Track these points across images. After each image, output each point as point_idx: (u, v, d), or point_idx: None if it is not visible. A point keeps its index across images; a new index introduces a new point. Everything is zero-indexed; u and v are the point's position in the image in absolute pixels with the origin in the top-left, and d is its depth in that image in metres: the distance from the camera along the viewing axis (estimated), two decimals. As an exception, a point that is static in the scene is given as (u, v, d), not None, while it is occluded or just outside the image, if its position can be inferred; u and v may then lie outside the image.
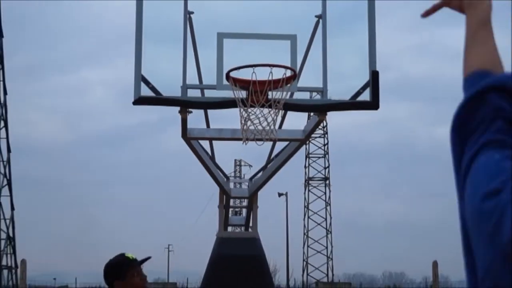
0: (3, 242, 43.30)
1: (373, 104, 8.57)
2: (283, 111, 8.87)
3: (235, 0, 9.87)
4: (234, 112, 8.72)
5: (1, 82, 46.62)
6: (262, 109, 8.49)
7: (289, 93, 8.68)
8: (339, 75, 9.49)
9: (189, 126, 8.96)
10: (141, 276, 5.07)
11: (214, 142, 9.95)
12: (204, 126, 9.64)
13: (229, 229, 9.96)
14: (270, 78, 8.30)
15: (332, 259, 61.16)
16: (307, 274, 60.95)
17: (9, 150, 46.47)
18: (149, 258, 5.55)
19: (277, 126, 8.78)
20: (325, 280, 57.99)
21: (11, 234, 45.41)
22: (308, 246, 60.25)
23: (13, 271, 42.21)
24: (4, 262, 43.13)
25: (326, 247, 60.62)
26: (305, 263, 61.21)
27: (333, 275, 60.83)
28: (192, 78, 8.79)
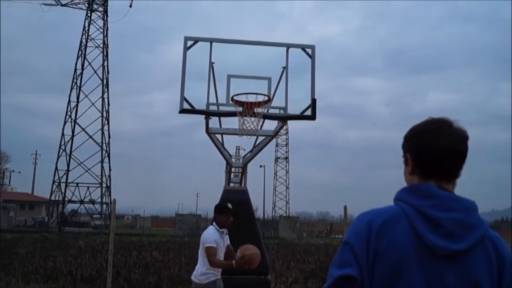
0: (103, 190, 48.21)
1: (312, 117, 9.40)
2: (262, 120, 9.58)
3: (239, 55, 10.32)
4: (235, 119, 9.43)
5: (106, 99, 49.46)
6: (251, 118, 9.25)
7: (266, 109, 9.44)
8: (295, 100, 10.06)
9: (210, 126, 9.65)
10: (229, 218, 5.62)
11: (224, 135, 10.60)
12: (218, 126, 10.26)
13: (231, 184, 10.75)
14: (255, 100, 9.22)
15: (288, 203, 65.99)
16: (275, 212, 65.26)
17: (109, 136, 49.58)
18: (230, 210, 5.95)
19: (259, 128, 9.53)
20: (284, 215, 61.85)
21: (109, 184, 48.45)
22: (275, 196, 66.38)
23: (108, 205, 47.29)
24: (104, 200, 47.75)
25: (286, 196, 66.74)
26: (273, 205, 65.81)
27: (289, 212, 65.44)
28: (212, 99, 9.45)
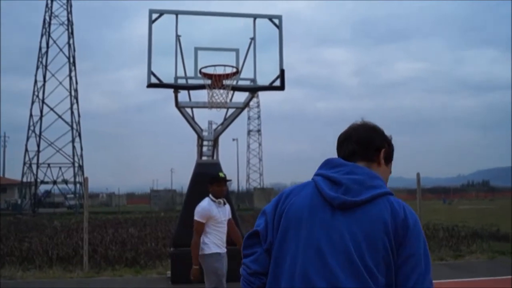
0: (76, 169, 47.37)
1: (281, 87, 9.43)
2: (232, 92, 9.53)
3: (206, 28, 10.25)
4: (205, 92, 9.41)
5: (74, 78, 48.34)
6: (220, 90, 9.24)
7: (235, 81, 9.45)
8: (264, 73, 9.96)
9: (179, 100, 9.55)
10: (222, 188, 5.39)
11: (194, 109, 10.35)
12: (188, 100, 10.06)
13: (203, 158, 10.54)
14: (224, 72, 9.15)
15: (262, 175, 66.87)
16: (249, 184, 66.61)
17: (79, 115, 48.68)
18: (230, 180, 5.95)
19: (228, 100, 9.48)
20: (258, 187, 62.91)
21: (81, 164, 47.73)
22: (249, 168, 66.90)
23: (82, 184, 46.02)
24: (77, 180, 47.09)
25: (259, 168, 67.37)
26: (247, 177, 66.79)
27: (263, 184, 66.13)
28: (180, 72, 9.38)
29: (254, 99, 63.99)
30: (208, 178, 5.50)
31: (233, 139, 58.02)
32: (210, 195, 5.37)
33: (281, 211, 1.84)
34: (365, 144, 1.94)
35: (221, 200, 5.38)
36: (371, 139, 1.97)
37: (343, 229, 1.70)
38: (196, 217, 5.24)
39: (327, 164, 1.88)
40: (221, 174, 5.50)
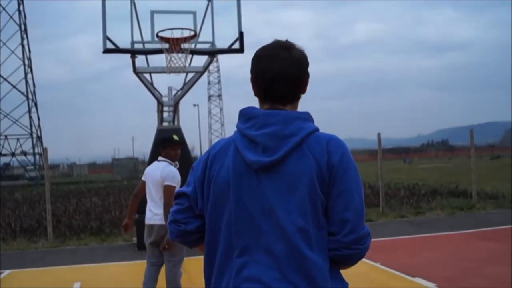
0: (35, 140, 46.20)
1: (241, 50, 9.33)
2: (190, 55, 9.42)
3: None
4: (162, 56, 9.28)
5: (27, 46, 46.56)
6: (178, 54, 9.11)
7: (192, 45, 9.34)
8: (223, 35, 10.05)
9: (137, 65, 9.41)
10: (175, 151, 5.05)
11: (153, 74, 10.22)
12: (146, 65, 9.97)
13: (164, 124, 10.47)
14: (181, 36, 9.00)
15: (225, 134, 66.57)
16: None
17: (34, 85, 47.16)
18: (183, 143, 5.82)
19: (187, 64, 9.36)
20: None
21: (39, 135, 46.56)
22: (211, 133, 67.11)
23: (41, 156, 44.59)
24: (36, 151, 45.94)
25: (221, 133, 67.62)
26: (210, 143, 66.95)
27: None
28: (137, 37, 9.27)
29: (214, 64, 63.27)
30: (160, 141, 5.20)
31: (194, 105, 57.41)
32: (166, 160, 5.02)
33: (209, 179, 1.72)
34: (297, 82, 1.72)
35: (177, 164, 5.09)
36: (303, 74, 1.73)
37: (269, 191, 1.61)
38: (174, 183, 4.83)
39: (241, 116, 1.70)
40: (175, 137, 5.24)
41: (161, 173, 4.90)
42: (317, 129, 1.66)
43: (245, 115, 1.69)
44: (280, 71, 1.66)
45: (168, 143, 5.07)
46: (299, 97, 1.74)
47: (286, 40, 1.74)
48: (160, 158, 5.06)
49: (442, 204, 13.69)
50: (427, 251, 8.14)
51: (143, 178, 5.16)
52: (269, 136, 1.61)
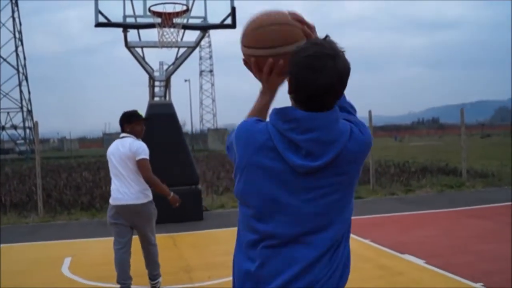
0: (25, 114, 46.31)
1: (233, 25, 9.22)
2: (182, 30, 9.31)
3: None
4: (155, 31, 9.14)
5: (18, 19, 45.88)
6: (170, 29, 9.01)
7: (185, 20, 9.22)
8: (215, 10, 9.81)
9: (129, 40, 9.28)
10: (141, 126, 4.97)
11: (145, 49, 10.25)
12: (138, 40, 9.94)
13: (155, 99, 10.49)
14: (173, 11, 8.88)
15: (216, 116, 68.25)
16: (203, 125, 66.85)
17: (24, 58, 46.73)
18: (149, 119, 5.72)
19: (179, 39, 9.27)
20: (212, 128, 63.11)
21: (30, 108, 46.53)
22: (202, 109, 67.29)
23: (31, 130, 45.32)
24: (27, 125, 46.10)
25: (213, 109, 67.73)
26: (201, 118, 67.23)
27: (217, 125, 66.29)
28: (129, 11, 9.09)
29: (206, 39, 62.75)
30: (126, 117, 4.97)
31: (185, 80, 56.81)
32: (131, 136, 4.89)
33: (246, 162, 1.68)
34: (338, 94, 1.69)
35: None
36: (345, 86, 1.70)
37: (310, 195, 1.62)
38: (146, 156, 4.78)
39: (280, 114, 1.66)
40: (139, 112, 5.10)
41: (130, 149, 4.76)
42: (349, 124, 1.67)
43: (284, 115, 1.64)
44: (325, 85, 1.61)
45: (134, 118, 4.94)
46: (335, 104, 1.69)
47: (329, 42, 1.65)
48: (123, 134, 4.92)
49: (432, 182, 13.77)
50: (416, 228, 8.20)
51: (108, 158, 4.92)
52: (314, 142, 1.60)
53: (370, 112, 13.21)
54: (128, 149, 4.75)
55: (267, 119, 1.71)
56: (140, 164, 4.74)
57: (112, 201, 4.81)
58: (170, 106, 9.96)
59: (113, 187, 4.82)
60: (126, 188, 4.73)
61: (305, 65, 1.61)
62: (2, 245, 7.91)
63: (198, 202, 9.58)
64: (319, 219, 1.61)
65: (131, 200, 4.73)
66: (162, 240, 5.18)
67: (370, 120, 13.05)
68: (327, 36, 1.66)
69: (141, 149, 4.75)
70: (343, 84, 1.66)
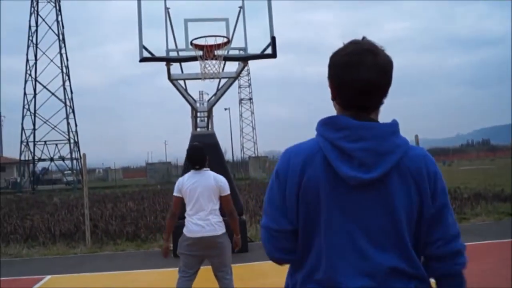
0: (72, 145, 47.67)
1: (273, 55, 9.28)
2: (223, 62, 9.39)
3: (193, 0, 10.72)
4: (196, 63, 9.26)
5: (65, 54, 47.76)
6: (211, 61, 9.11)
7: (226, 51, 9.32)
8: (254, 40, 9.90)
9: (171, 72, 9.46)
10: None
11: (187, 81, 10.34)
12: (180, 72, 10.08)
13: (198, 129, 10.53)
14: (215, 43, 9.00)
15: (256, 143, 67.91)
16: (244, 153, 66.86)
17: (71, 92, 48.50)
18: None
19: (220, 70, 9.34)
20: (253, 155, 62.97)
21: (77, 140, 47.66)
22: (243, 137, 67.12)
23: (78, 160, 47.17)
24: (74, 156, 47.57)
25: (253, 137, 67.88)
26: (241, 146, 67.30)
27: (257, 152, 66.11)
28: (171, 45, 9.31)
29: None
30: (204, 150, 5.06)
31: (225, 109, 57.56)
32: (208, 168, 5.00)
33: (298, 188, 1.61)
34: (385, 90, 1.62)
35: None
36: (390, 81, 1.63)
37: (365, 210, 1.55)
38: (228, 192, 4.89)
39: (329, 124, 1.59)
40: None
41: (216, 182, 4.82)
42: (408, 143, 1.61)
43: (335, 124, 1.57)
44: (369, 81, 1.55)
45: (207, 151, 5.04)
46: (382, 103, 1.64)
47: (367, 40, 1.62)
48: (205, 168, 4.95)
49: (488, 209, 12.85)
50: (473, 260, 7.53)
51: (177, 194, 4.90)
52: (367, 152, 1.52)
53: (416, 136, 12.83)
54: (213, 182, 4.81)
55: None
56: (227, 198, 4.85)
57: (188, 233, 4.79)
58: (213, 136, 10.04)
59: (189, 219, 4.82)
60: (205, 221, 4.75)
61: (345, 63, 1.57)
62: (52, 276, 8.05)
63: (243, 233, 9.52)
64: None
65: (209, 232, 4.74)
66: (206, 272, 5.14)
67: (417, 145, 12.63)
68: (364, 37, 1.62)
69: (227, 184, 4.87)
70: (387, 79, 1.59)
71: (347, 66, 1.56)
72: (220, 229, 4.82)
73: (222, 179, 4.88)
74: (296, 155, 1.62)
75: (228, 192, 4.86)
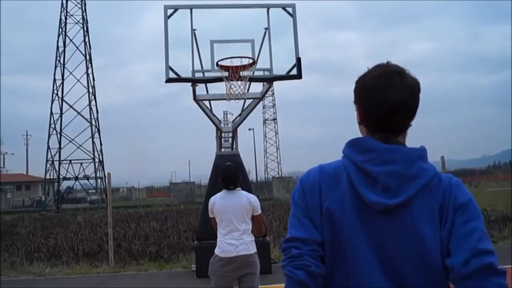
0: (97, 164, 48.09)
1: (298, 76, 9.31)
2: (249, 82, 9.39)
3: (220, 20, 10.31)
4: (221, 84, 9.32)
5: (91, 74, 48.79)
6: (237, 82, 9.14)
7: (251, 72, 9.30)
8: (277, 60, 9.75)
9: (197, 93, 9.55)
10: None
11: (212, 101, 10.44)
12: (205, 92, 10.15)
13: (222, 149, 10.53)
14: (240, 64, 9.01)
15: (280, 163, 67.43)
16: (267, 173, 66.65)
17: (97, 111, 49.08)
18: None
19: (246, 91, 9.35)
20: (277, 176, 62.72)
21: (101, 159, 48.29)
22: (266, 158, 66.97)
23: (103, 179, 47.41)
24: (98, 175, 47.78)
25: (277, 157, 67.63)
26: (265, 167, 67.03)
27: (281, 173, 65.84)
28: (197, 66, 9.31)
29: (270, 88, 63.74)
30: (237, 170, 5.07)
31: (249, 129, 57.66)
32: (239, 188, 5.03)
33: (320, 209, 1.58)
34: (413, 111, 1.60)
35: None
36: (417, 103, 1.61)
37: (390, 235, 1.50)
38: (260, 212, 4.93)
39: (355, 146, 1.58)
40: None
41: (249, 202, 4.84)
42: (436, 169, 1.56)
43: (361, 146, 1.56)
44: (397, 102, 1.54)
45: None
46: (410, 126, 1.62)
47: (392, 64, 1.62)
48: (237, 188, 4.96)
49: None
50: None
51: (212, 215, 4.93)
52: (392, 176, 1.49)
53: (442, 157, 12.65)
54: (246, 202, 4.82)
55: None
56: (259, 218, 4.88)
57: (222, 253, 4.76)
58: (237, 156, 10.05)
59: (222, 239, 4.81)
60: (238, 240, 4.75)
61: (373, 85, 1.57)
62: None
63: (267, 255, 9.45)
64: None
65: (243, 251, 4.74)
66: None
67: (443, 166, 12.49)
68: (388, 62, 1.63)
69: (259, 203, 4.90)
70: (415, 100, 1.58)
71: (376, 88, 1.55)
72: (253, 248, 4.83)
73: (254, 199, 4.91)
74: (320, 174, 1.60)
75: (260, 211, 4.88)
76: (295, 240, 1.57)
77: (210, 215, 4.93)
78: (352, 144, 1.58)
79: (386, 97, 1.54)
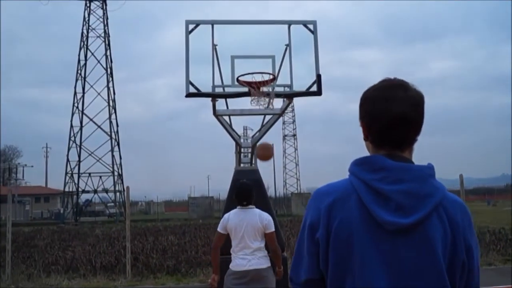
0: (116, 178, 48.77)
1: (318, 92, 9.40)
2: (273, 98, 9.41)
3: (241, 36, 10.45)
4: (241, 100, 9.52)
5: (112, 88, 49.54)
6: (260, 97, 9.23)
7: (272, 88, 9.42)
8: (298, 76, 9.80)
9: (217, 108, 9.55)
10: None
11: (231, 117, 10.31)
12: (225, 107, 10.12)
13: (242, 165, 10.40)
14: (261, 79, 9.19)
15: (299, 179, 67.30)
16: (286, 189, 66.43)
17: (117, 125, 49.79)
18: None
19: (271, 106, 9.46)
20: (296, 192, 62.41)
21: (120, 172, 48.73)
22: (286, 173, 66.93)
23: (121, 193, 47.93)
24: (117, 188, 48.38)
25: (296, 173, 67.43)
26: (284, 182, 66.85)
27: (300, 189, 65.60)
28: (217, 81, 9.44)
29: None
30: (252, 188, 5.20)
31: (269, 145, 58.06)
32: (254, 206, 5.15)
33: (328, 235, 1.56)
34: (416, 125, 1.59)
35: None
36: (422, 116, 1.60)
37: (403, 254, 1.49)
38: (273, 229, 4.99)
39: (365, 164, 1.55)
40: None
41: (261, 220, 4.94)
42: (445, 188, 1.56)
43: (372, 164, 1.53)
44: (401, 114, 1.53)
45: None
46: (416, 141, 1.61)
47: (398, 78, 1.63)
48: (250, 206, 5.06)
49: None
50: None
51: (222, 230, 5.02)
52: (406, 194, 1.47)
53: (461, 175, 12.63)
54: (258, 220, 4.93)
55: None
56: (271, 236, 4.95)
57: (234, 267, 4.88)
58: (256, 172, 10.01)
59: (235, 255, 4.94)
60: (251, 255, 4.86)
61: (376, 97, 1.58)
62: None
63: (284, 270, 9.40)
64: None
65: (255, 265, 4.83)
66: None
67: (461, 184, 12.45)
68: (395, 78, 1.63)
69: (272, 221, 4.98)
70: (419, 113, 1.57)
71: (379, 100, 1.56)
72: (266, 263, 4.90)
73: (267, 217, 4.98)
74: (328, 195, 1.58)
75: (273, 229, 4.93)
76: (297, 285, 1.64)
77: (220, 230, 5.02)
78: (362, 163, 1.56)
79: (390, 109, 1.53)
